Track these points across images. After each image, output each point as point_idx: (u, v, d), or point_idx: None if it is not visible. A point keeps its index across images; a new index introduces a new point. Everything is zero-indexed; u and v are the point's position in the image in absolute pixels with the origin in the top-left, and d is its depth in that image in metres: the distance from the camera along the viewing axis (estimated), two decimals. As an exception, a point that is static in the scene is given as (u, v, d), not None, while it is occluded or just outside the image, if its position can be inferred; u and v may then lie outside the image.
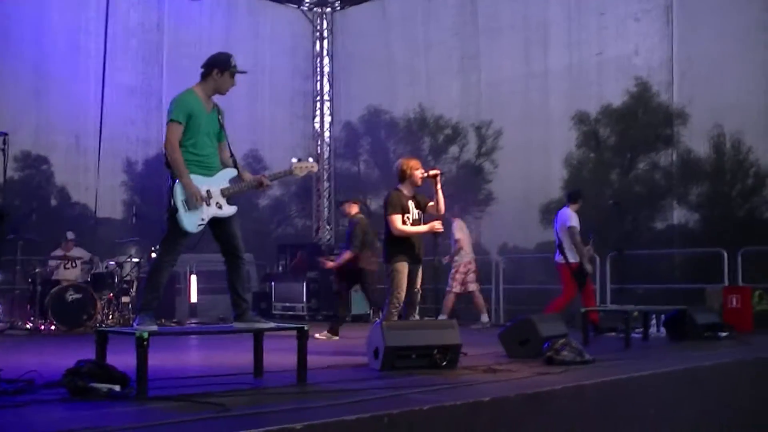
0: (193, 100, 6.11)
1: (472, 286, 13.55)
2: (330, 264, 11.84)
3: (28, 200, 15.25)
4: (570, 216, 11.26)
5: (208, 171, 6.12)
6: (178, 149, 5.97)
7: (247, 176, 6.42)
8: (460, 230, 13.69)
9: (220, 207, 6.14)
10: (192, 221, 6.00)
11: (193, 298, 14.96)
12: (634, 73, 15.26)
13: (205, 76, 6.22)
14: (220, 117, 6.27)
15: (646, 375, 6.46)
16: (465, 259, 13.57)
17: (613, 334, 10.92)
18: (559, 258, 11.29)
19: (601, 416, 5.82)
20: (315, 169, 6.69)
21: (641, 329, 10.65)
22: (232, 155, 6.38)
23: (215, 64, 6.21)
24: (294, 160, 6.55)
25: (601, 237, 11.42)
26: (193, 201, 5.95)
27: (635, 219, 15.34)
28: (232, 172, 6.30)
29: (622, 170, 15.73)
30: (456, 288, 13.41)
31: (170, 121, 6.02)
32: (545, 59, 16.51)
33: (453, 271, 13.35)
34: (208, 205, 6.07)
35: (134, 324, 5.98)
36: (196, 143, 6.06)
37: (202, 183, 6.04)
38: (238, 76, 6.30)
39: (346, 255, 11.28)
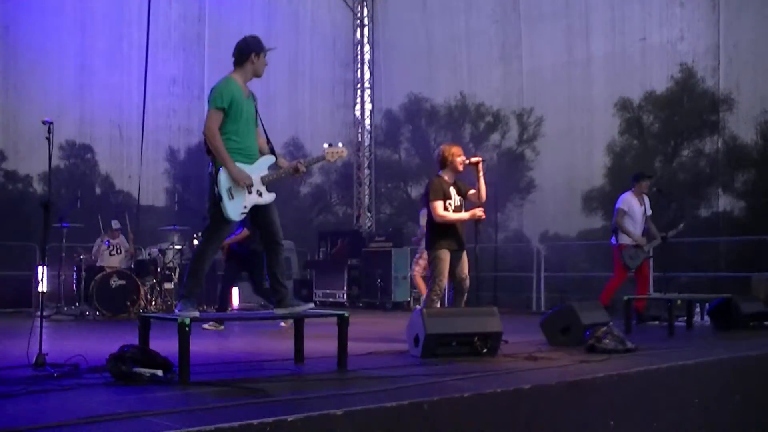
0: (235, 87, 6.12)
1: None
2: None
3: (73, 188, 15.46)
4: (623, 199, 11.19)
5: (249, 159, 6.14)
6: (218, 136, 5.99)
7: (284, 163, 6.45)
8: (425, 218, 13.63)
9: (260, 194, 6.16)
10: (236, 209, 6.03)
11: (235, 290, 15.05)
12: (678, 59, 15.05)
13: (242, 63, 6.22)
14: (255, 103, 6.30)
15: (690, 364, 6.38)
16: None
17: (656, 322, 10.81)
18: (612, 240, 11.25)
19: (644, 405, 5.76)
20: (344, 154, 6.70)
21: (685, 318, 10.52)
22: (268, 141, 6.41)
23: (251, 48, 6.21)
24: (325, 145, 6.57)
25: (652, 223, 11.29)
26: (241, 184, 5.98)
27: (679, 207, 15.14)
28: (270, 159, 6.31)
29: (666, 157, 15.53)
30: (419, 272, 13.26)
31: (212, 108, 6.04)
32: (587, 46, 16.34)
33: (417, 256, 13.31)
34: (250, 193, 6.09)
35: (176, 310, 6.03)
36: (238, 130, 6.08)
37: (244, 170, 6.07)
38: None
39: (242, 233, 10.45)
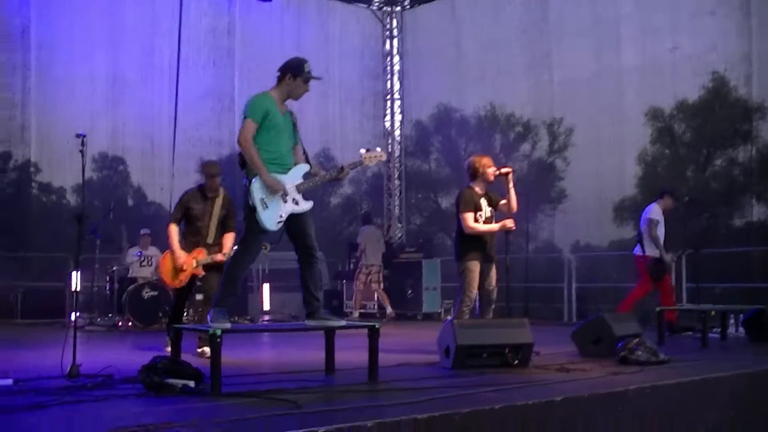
0: (269, 101, 6.18)
1: (374, 286, 15.45)
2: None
3: (106, 200, 15.59)
4: (653, 209, 11.11)
5: (283, 168, 6.18)
6: (252, 145, 6.04)
7: (321, 172, 6.47)
8: (365, 236, 15.44)
9: (296, 203, 6.18)
10: (271, 219, 6.06)
11: (266, 296, 15.13)
12: (709, 68, 14.92)
13: (279, 81, 6.30)
14: (293, 119, 6.34)
15: (725, 376, 6.31)
16: (368, 262, 15.33)
17: (690, 333, 10.70)
18: (637, 250, 11.14)
19: (678, 418, 5.70)
20: (383, 158, 6.76)
21: (719, 329, 10.41)
22: (305, 153, 6.44)
23: (289, 68, 6.28)
24: (362, 150, 6.60)
25: (677, 235, 11.18)
26: (275, 192, 6.02)
27: (712, 216, 15.00)
28: (304, 168, 6.34)
29: (698, 166, 15.40)
30: (359, 286, 15.38)
31: (245, 118, 6.10)
32: (618, 56, 16.26)
33: (357, 271, 15.39)
34: (285, 202, 6.12)
35: (208, 320, 6.06)
36: (271, 141, 6.13)
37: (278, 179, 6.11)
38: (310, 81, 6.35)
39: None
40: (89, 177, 14.95)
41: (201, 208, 8.36)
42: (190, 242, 8.42)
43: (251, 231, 6.14)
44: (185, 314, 12.71)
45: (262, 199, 6.02)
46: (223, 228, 8.40)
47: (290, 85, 6.26)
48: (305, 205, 6.25)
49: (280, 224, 6.17)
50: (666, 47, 15.48)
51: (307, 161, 6.41)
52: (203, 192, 8.46)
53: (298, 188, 6.21)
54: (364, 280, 15.44)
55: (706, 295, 12.18)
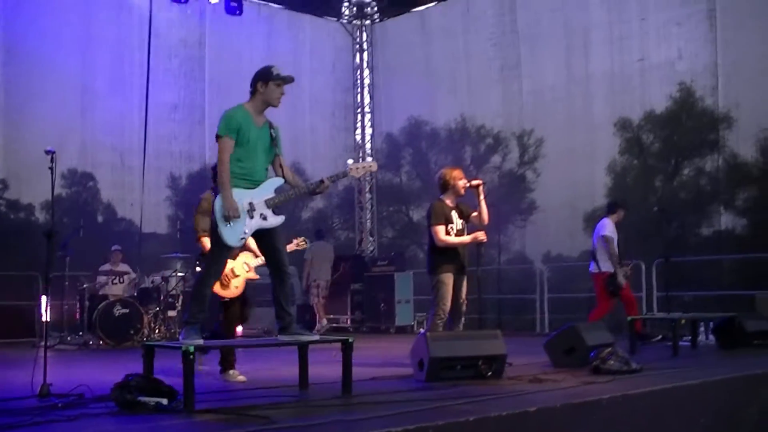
0: (242, 115, 6.13)
1: (314, 300, 15.92)
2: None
3: (76, 217, 15.46)
4: (605, 225, 11.09)
5: (253, 184, 6.13)
6: (226, 165, 6.01)
7: (300, 184, 6.44)
8: (313, 251, 15.58)
9: (264, 218, 6.12)
10: (233, 235, 6.01)
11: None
12: (677, 78, 15.11)
13: (252, 93, 6.27)
14: (272, 132, 6.28)
15: (696, 384, 6.37)
16: (314, 276, 15.90)
17: (660, 339, 10.77)
18: (592, 267, 11.12)
19: (650, 426, 5.74)
20: (374, 168, 6.74)
21: (689, 337, 10.49)
22: (282, 166, 6.35)
23: (258, 77, 6.24)
24: (350, 161, 6.61)
25: (647, 244, 11.25)
26: (229, 214, 5.95)
27: (681, 225, 15.14)
28: (277, 182, 6.27)
29: (667, 176, 15.55)
30: (314, 300, 15.98)
31: (220, 137, 6.06)
32: (586, 66, 16.42)
33: (308, 285, 16.03)
34: (251, 217, 6.07)
35: (180, 338, 6.02)
36: (242, 156, 6.08)
37: (244, 196, 6.05)
38: (285, 87, 6.32)
39: None
40: (58, 193, 14.81)
41: None
42: None
43: (216, 246, 6.11)
44: (152, 331, 12.67)
45: (224, 216, 5.97)
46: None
47: (264, 94, 6.22)
48: (274, 220, 6.18)
49: (243, 240, 6.14)
50: (634, 58, 15.66)
51: (284, 174, 6.36)
52: None
53: (268, 203, 6.15)
54: (316, 293, 15.92)
55: (677, 304, 12.29)
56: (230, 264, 7.68)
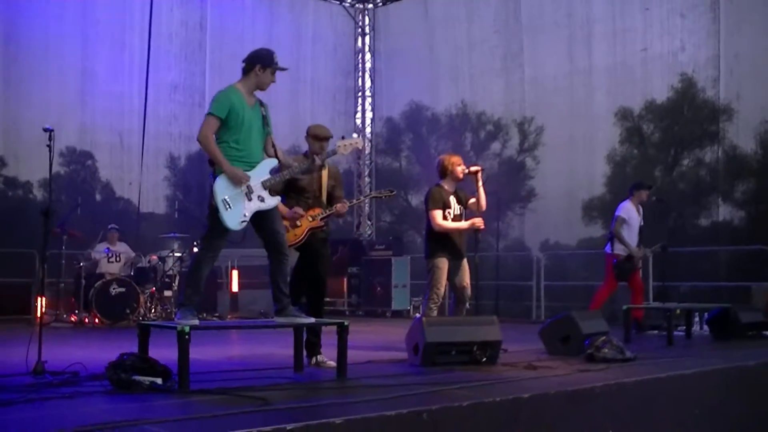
0: (235, 96, 6.08)
1: None
2: None
3: (74, 195, 15.46)
4: (623, 207, 11.13)
5: (249, 166, 6.07)
6: (212, 141, 5.94)
7: (292, 164, 6.43)
8: None
9: (262, 200, 6.07)
10: (234, 219, 5.94)
11: (234, 273, 15.10)
12: (678, 69, 15.09)
13: (246, 72, 6.19)
14: (263, 110, 6.25)
15: (689, 374, 6.38)
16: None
17: (656, 332, 10.80)
18: (607, 248, 11.21)
19: (643, 415, 5.76)
20: (359, 145, 6.72)
21: (684, 327, 10.52)
22: (273, 146, 6.32)
23: (258, 59, 6.18)
24: (338, 140, 6.58)
25: (644, 234, 11.25)
26: (238, 185, 5.91)
27: (679, 216, 15.16)
28: (272, 162, 6.23)
29: (666, 167, 15.55)
30: None
31: (208, 114, 6.01)
32: (589, 56, 16.38)
33: None
34: (250, 200, 6.03)
35: (176, 318, 6.01)
36: (239, 139, 6.03)
37: None
38: (278, 74, 6.29)
39: None
40: (56, 171, 14.79)
41: (308, 179, 7.33)
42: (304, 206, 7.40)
43: (214, 230, 6.03)
44: (148, 310, 12.70)
45: (224, 200, 5.89)
46: (330, 200, 7.46)
47: (259, 77, 6.16)
48: (271, 202, 6.15)
49: (244, 223, 6.05)
50: (636, 48, 15.63)
51: (276, 155, 6.34)
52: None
53: (264, 184, 6.10)
54: None
55: (673, 294, 12.31)
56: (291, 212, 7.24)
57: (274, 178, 6.20)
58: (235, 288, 15.15)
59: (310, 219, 7.29)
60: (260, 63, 6.16)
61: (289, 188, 7.25)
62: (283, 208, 7.04)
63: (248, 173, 6.03)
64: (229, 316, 14.41)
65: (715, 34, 14.63)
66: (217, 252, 6.21)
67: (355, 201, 7.39)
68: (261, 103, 6.25)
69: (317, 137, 7.34)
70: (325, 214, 7.29)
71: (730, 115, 14.53)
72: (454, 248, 8.12)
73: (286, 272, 6.30)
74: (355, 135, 6.62)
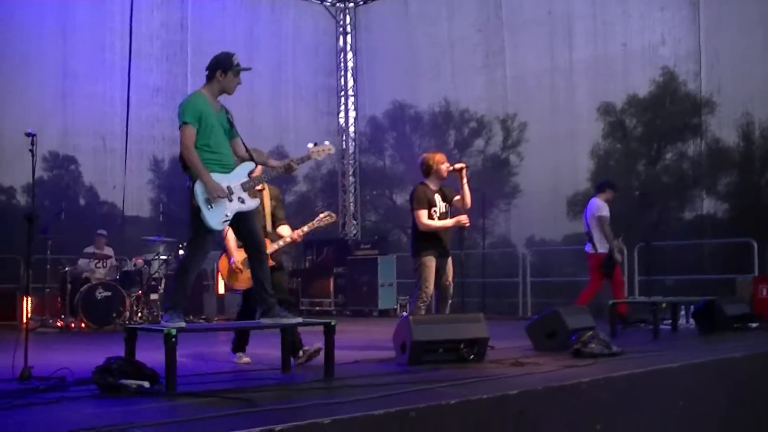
0: (202, 101, 6.11)
1: None
2: None
3: (57, 200, 15.38)
4: (599, 206, 11.18)
5: (226, 169, 6.13)
6: (193, 150, 5.99)
7: (274, 163, 6.48)
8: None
9: (242, 201, 6.14)
10: (216, 218, 6.01)
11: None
12: (660, 63, 15.17)
13: (209, 78, 6.21)
14: (229, 116, 6.26)
15: (675, 367, 6.42)
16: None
17: (642, 325, 10.85)
18: (588, 248, 11.24)
19: (630, 408, 5.79)
20: (331, 150, 6.76)
21: (670, 321, 10.57)
22: (247, 149, 6.36)
23: (218, 65, 6.18)
24: (310, 145, 6.61)
25: (628, 228, 11.32)
26: (215, 196, 5.96)
27: (663, 209, 15.23)
28: (249, 166, 6.29)
29: (649, 160, 15.63)
30: None
31: (183, 123, 6.03)
32: (570, 51, 16.44)
33: None
34: (231, 201, 6.07)
35: (162, 321, 6.01)
36: (211, 143, 6.07)
37: (221, 180, 6.05)
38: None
39: None
40: (39, 176, 14.72)
41: None
42: None
43: (198, 232, 6.08)
44: (135, 314, 12.67)
45: (206, 200, 5.96)
46: (273, 221, 7.74)
47: (222, 82, 6.17)
48: (251, 203, 6.21)
49: (226, 223, 6.13)
50: (617, 43, 15.70)
51: (251, 158, 6.33)
52: None
53: (244, 186, 6.17)
54: None
55: (658, 288, 12.37)
56: (241, 255, 7.37)
57: (253, 181, 6.29)
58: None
59: None
60: (220, 68, 6.17)
61: None
62: (233, 248, 7.41)
63: (227, 175, 6.10)
64: (215, 318, 14.38)
65: (695, 27, 14.71)
66: (203, 254, 6.23)
67: (306, 229, 7.53)
68: (225, 110, 6.27)
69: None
70: (275, 249, 7.45)
71: (712, 107, 14.61)
72: (441, 246, 8.12)
73: (268, 271, 6.31)
74: (327, 142, 6.65)
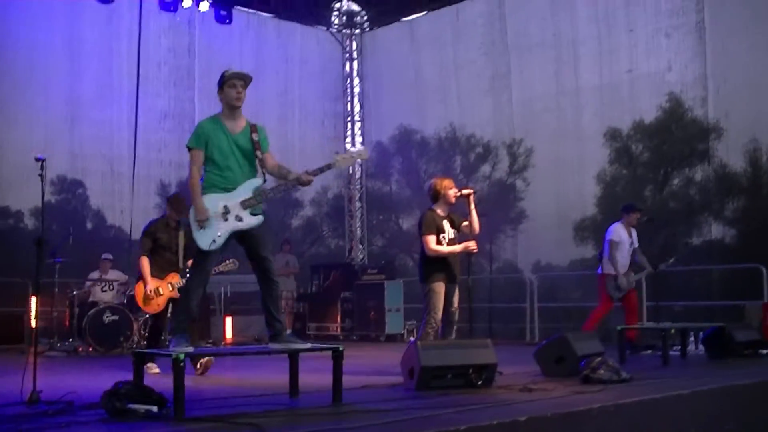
0: (210, 126, 6.23)
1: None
2: None
3: (65, 224, 15.40)
4: (613, 229, 11.16)
5: (231, 187, 6.17)
6: (195, 174, 6.19)
7: (292, 176, 6.36)
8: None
9: (240, 219, 6.13)
10: (205, 239, 6.08)
11: (228, 320, 14.98)
12: (666, 89, 15.19)
13: (221, 100, 6.34)
14: (254, 135, 6.28)
15: (686, 393, 6.36)
16: None
17: (650, 352, 10.79)
18: (599, 269, 11.24)
19: (641, 435, 5.75)
20: (365, 155, 6.85)
21: (679, 347, 10.51)
22: (277, 165, 6.44)
23: (218, 85, 6.32)
24: (336, 153, 6.53)
25: (639, 255, 11.28)
26: (196, 219, 6.07)
27: (671, 235, 15.20)
28: (255, 182, 6.26)
29: (656, 186, 15.62)
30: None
31: (187, 148, 6.24)
32: (576, 77, 16.48)
33: None
34: (225, 220, 6.09)
35: (170, 346, 6.01)
36: (220, 166, 6.16)
37: (218, 199, 6.10)
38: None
39: None
40: (47, 200, 14.67)
41: (167, 238, 9.03)
42: (163, 269, 9.04)
43: (197, 255, 6.28)
44: (142, 338, 12.65)
45: (198, 221, 6.05)
46: (190, 255, 8.42)
47: (224, 99, 6.28)
48: (250, 221, 6.16)
49: (215, 244, 6.09)
50: (622, 68, 15.73)
51: (279, 172, 6.37)
52: (167, 222, 9.09)
53: (244, 204, 6.15)
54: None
55: (666, 314, 12.30)
56: (157, 283, 8.92)
57: (257, 198, 6.20)
58: (228, 323, 14.96)
59: (170, 288, 8.91)
60: (218, 87, 6.32)
61: (154, 243, 9.01)
62: (147, 276, 8.95)
63: (227, 194, 6.14)
64: (223, 342, 14.33)
65: (702, 54, 14.74)
66: (204, 276, 6.25)
67: (220, 268, 8.27)
68: (253, 128, 6.28)
69: (176, 209, 9.04)
70: (182, 284, 8.43)
71: (719, 133, 14.62)
72: (450, 272, 8.10)
73: (278, 297, 6.33)
74: (358, 145, 6.60)
